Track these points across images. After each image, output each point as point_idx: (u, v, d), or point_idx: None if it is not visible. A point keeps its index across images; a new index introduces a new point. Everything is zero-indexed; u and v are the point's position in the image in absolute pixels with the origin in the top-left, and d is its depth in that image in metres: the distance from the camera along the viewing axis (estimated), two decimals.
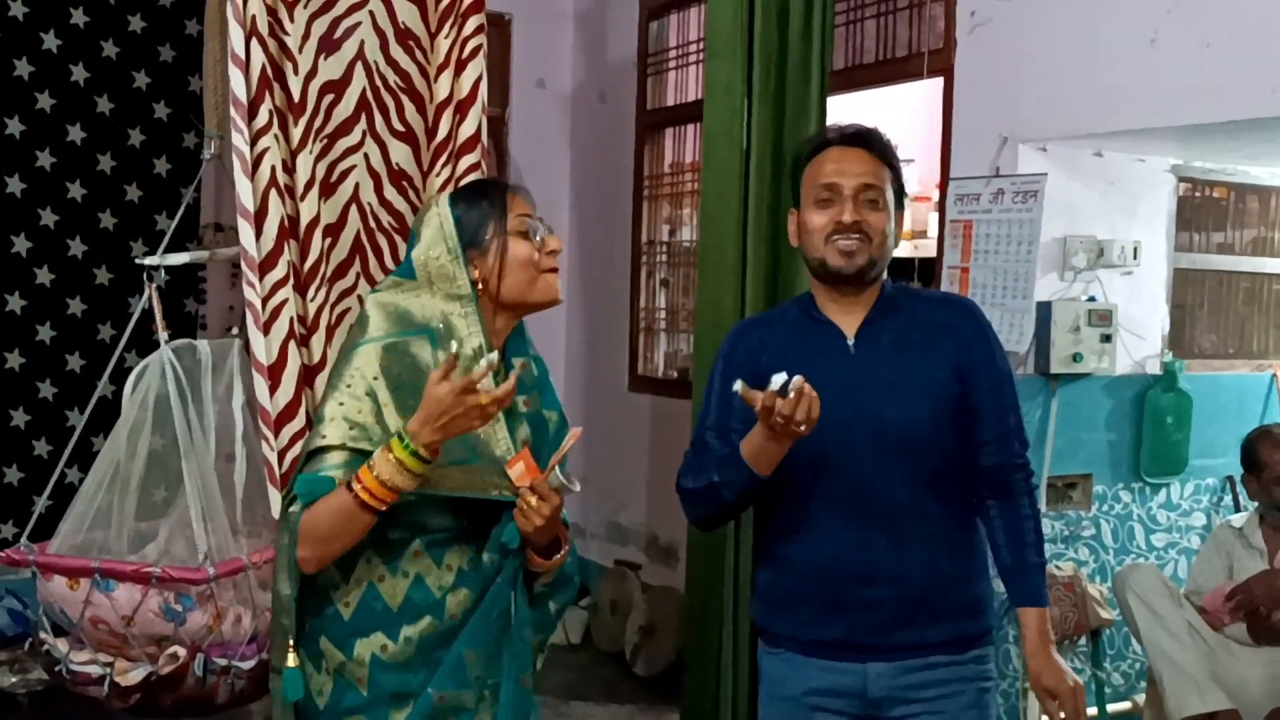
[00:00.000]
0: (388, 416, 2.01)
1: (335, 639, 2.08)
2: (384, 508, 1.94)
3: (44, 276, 4.95)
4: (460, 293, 2.10)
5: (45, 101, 4.91)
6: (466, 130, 3.51)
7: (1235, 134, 3.56)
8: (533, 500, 2.00)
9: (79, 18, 4.96)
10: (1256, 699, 3.55)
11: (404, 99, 3.47)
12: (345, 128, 3.38)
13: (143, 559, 3.28)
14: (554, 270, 2.18)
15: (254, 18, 3.10)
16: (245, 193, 3.09)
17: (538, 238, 2.16)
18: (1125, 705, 4.06)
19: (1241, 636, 3.71)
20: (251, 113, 3.09)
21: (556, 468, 2.02)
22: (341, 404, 2.01)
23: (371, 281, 3.46)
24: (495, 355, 2.04)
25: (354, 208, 3.40)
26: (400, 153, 3.48)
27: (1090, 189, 3.98)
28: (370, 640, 2.06)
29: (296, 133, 3.23)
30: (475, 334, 2.09)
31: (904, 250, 6.22)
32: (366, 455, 1.96)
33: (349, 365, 2.04)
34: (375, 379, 2.02)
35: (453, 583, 2.09)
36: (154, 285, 3.35)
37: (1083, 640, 3.80)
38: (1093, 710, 3.91)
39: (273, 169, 3.12)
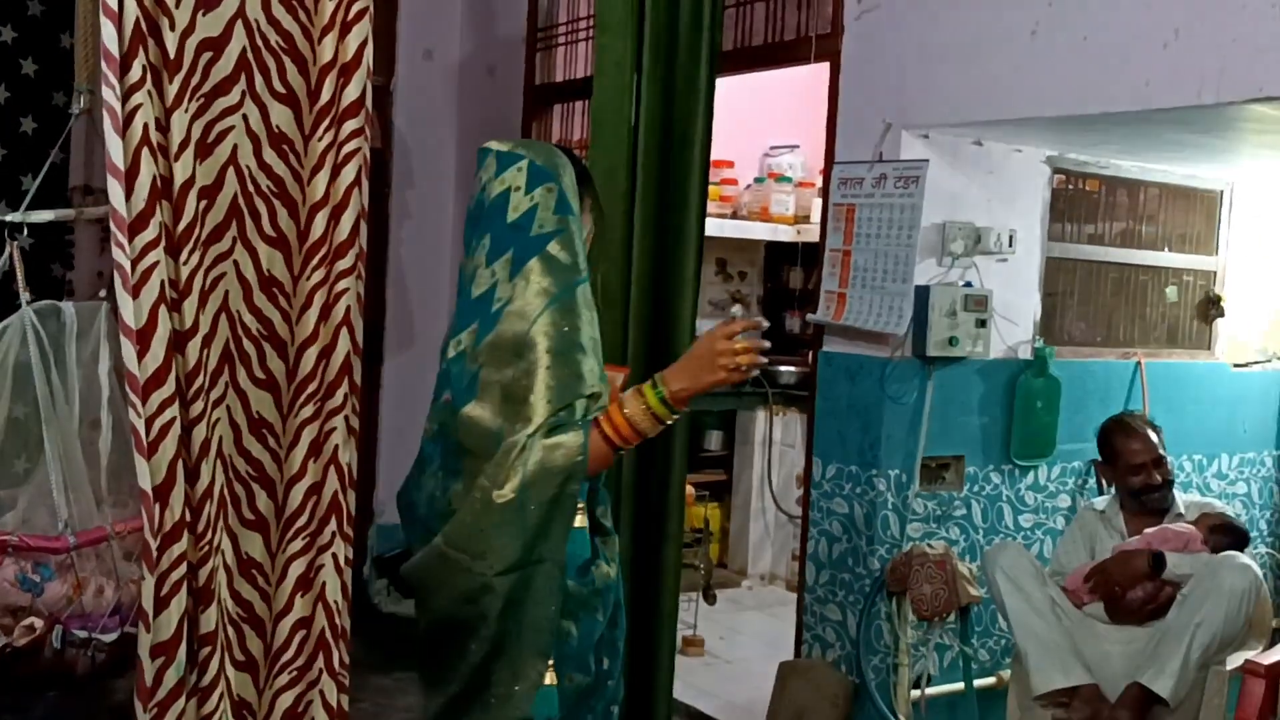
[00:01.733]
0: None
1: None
2: (625, 446, 2.11)
3: None
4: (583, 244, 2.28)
5: None
6: (350, 94, 3.42)
7: (1108, 127, 3.66)
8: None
9: None
10: (1116, 673, 3.68)
11: (285, 60, 3.37)
12: (223, 87, 3.27)
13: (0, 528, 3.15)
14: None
15: None
16: (115, 150, 2.97)
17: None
18: (991, 680, 4.17)
19: (1101, 615, 3.84)
20: (124, 67, 2.97)
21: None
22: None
23: (249, 246, 3.35)
24: (739, 309, 2.23)
25: (231, 170, 3.30)
26: (281, 115, 3.38)
27: (970, 177, 4.07)
28: (600, 570, 2.27)
29: (171, 90, 3.11)
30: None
31: (788, 235, 6.32)
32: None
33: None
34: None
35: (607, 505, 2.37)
36: (15, 244, 3.21)
37: (952, 617, 3.89)
38: (960, 685, 4.02)
39: (145, 126, 3.00)
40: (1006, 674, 4.10)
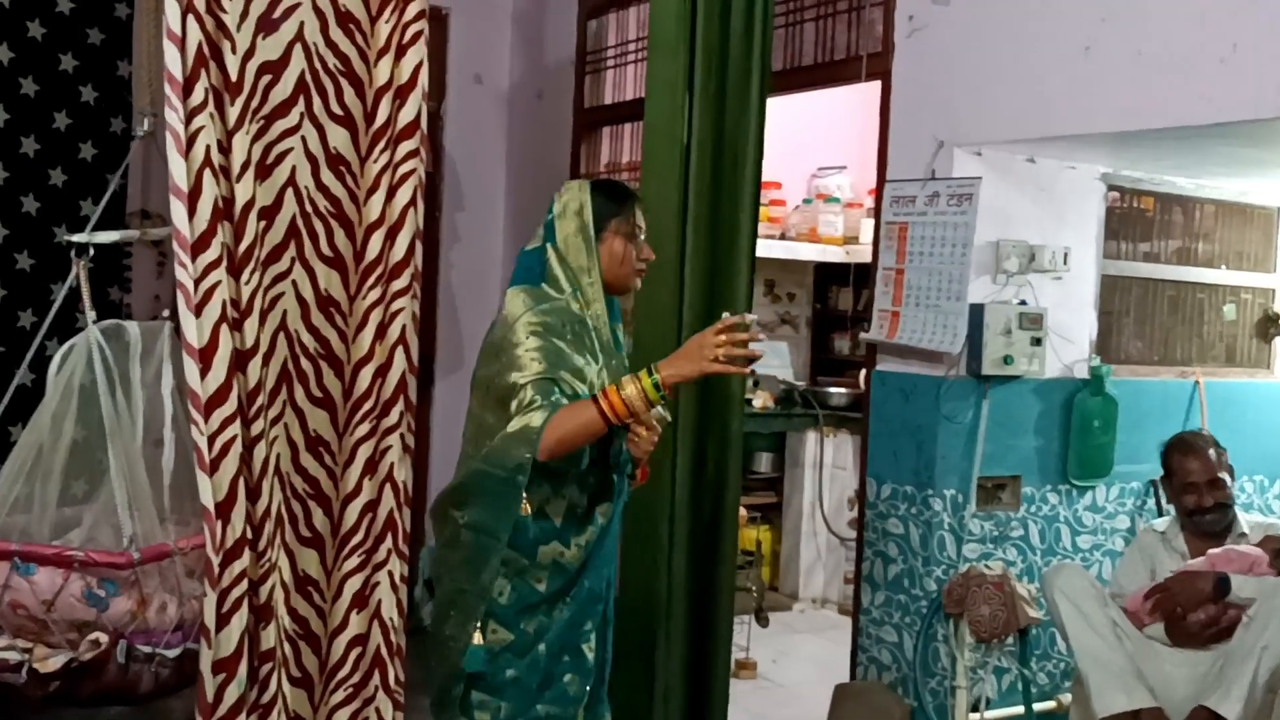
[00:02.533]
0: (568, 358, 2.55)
1: (521, 548, 2.58)
2: (619, 422, 2.43)
3: None
4: (588, 265, 2.66)
5: None
6: (406, 116, 3.47)
7: (1164, 143, 3.63)
8: (643, 431, 2.65)
9: None
10: (1180, 696, 3.60)
11: (343, 82, 3.42)
12: (282, 109, 3.32)
13: (66, 544, 3.19)
14: (640, 271, 2.78)
15: None
16: (179, 171, 3.02)
17: (639, 243, 2.75)
18: (1050, 704, 4.11)
19: (1162, 637, 3.77)
20: (187, 90, 3.02)
21: (659, 405, 2.50)
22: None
23: (306, 266, 3.39)
24: (751, 317, 2.46)
25: (290, 191, 3.34)
26: (338, 137, 3.43)
27: (1023, 195, 4.04)
28: (550, 548, 2.60)
29: (233, 113, 3.16)
30: (599, 299, 2.67)
31: (836, 256, 6.30)
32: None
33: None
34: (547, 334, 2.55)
35: (599, 501, 2.66)
36: (82, 263, 3.26)
37: (1010, 639, 3.84)
38: (1019, 709, 3.96)
39: (207, 148, 3.05)
40: (1067, 697, 4.04)
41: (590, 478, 2.64)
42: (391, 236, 3.47)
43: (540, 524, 2.59)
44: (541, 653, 2.63)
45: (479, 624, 2.55)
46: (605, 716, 2.83)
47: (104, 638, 3.02)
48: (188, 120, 3.03)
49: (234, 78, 3.17)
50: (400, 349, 3.47)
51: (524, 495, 2.51)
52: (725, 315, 2.43)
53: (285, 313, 3.37)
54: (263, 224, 3.28)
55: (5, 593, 3.03)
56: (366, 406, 3.43)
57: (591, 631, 2.71)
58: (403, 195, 3.47)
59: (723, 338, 2.38)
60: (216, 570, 3.00)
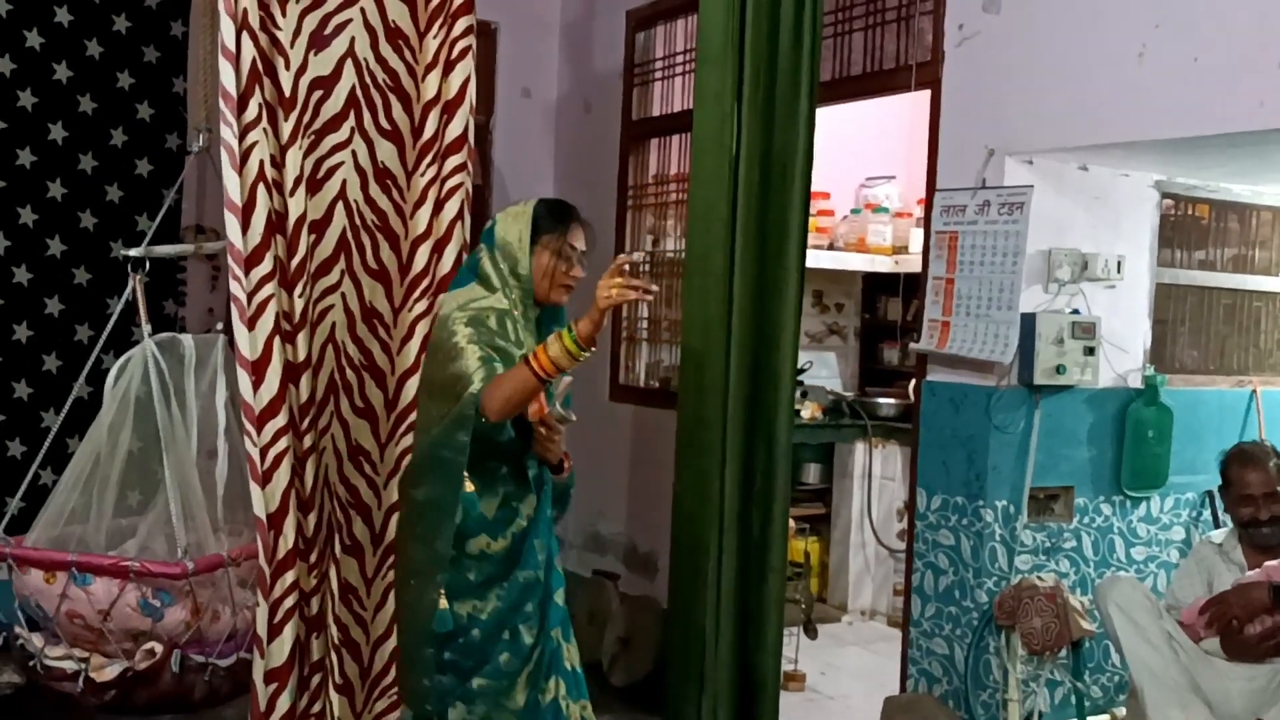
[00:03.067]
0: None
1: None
2: (548, 379, 2.63)
3: (22, 276, 4.89)
4: (518, 269, 2.86)
5: (27, 100, 4.86)
6: (454, 130, 3.50)
7: (1219, 149, 3.59)
8: (543, 430, 2.77)
9: (63, 16, 4.93)
10: (1237, 711, 3.55)
11: (391, 97, 3.46)
12: (334, 124, 3.37)
13: (121, 554, 3.23)
14: (567, 287, 2.94)
15: (245, 11, 3.08)
16: (233, 186, 3.07)
17: (570, 261, 2.92)
18: (1104, 718, 4.06)
19: (1218, 652, 3.71)
20: (241, 106, 3.07)
21: (558, 404, 2.77)
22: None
23: (354, 279, 3.43)
24: (636, 256, 2.76)
25: (340, 204, 3.38)
26: (386, 151, 3.46)
27: (1075, 203, 4.01)
28: (478, 540, 2.80)
29: (286, 128, 3.21)
30: (527, 302, 2.86)
31: (885, 266, 6.27)
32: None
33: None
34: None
35: (522, 495, 2.86)
36: (138, 277, 3.31)
37: (1063, 651, 3.80)
38: None
39: (261, 163, 3.10)
40: (1121, 711, 3.99)
41: (512, 471, 2.85)
42: (439, 250, 3.50)
43: (473, 515, 2.80)
44: (476, 637, 2.81)
45: (441, 589, 2.76)
46: (550, 690, 2.93)
47: (159, 647, 3.06)
48: (242, 136, 3.08)
49: (288, 93, 3.21)
50: None
51: (465, 473, 2.73)
52: (619, 257, 2.69)
53: (334, 325, 3.41)
54: (313, 237, 3.32)
55: (63, 602, 3.08)
56: (412, 418, 3.45)
57: (533, 614, 2.88)
58: (450, 209, 3.50)
59: (617, 279, 2.62)
60: (269, 580, 3.04)
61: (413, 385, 3.48)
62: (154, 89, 5.13)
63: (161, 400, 3.19)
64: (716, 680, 4.00)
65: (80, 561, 3.10)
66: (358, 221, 3.44)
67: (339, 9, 3.34)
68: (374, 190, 3.47)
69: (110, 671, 3.06)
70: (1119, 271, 4.04)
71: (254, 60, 3.09)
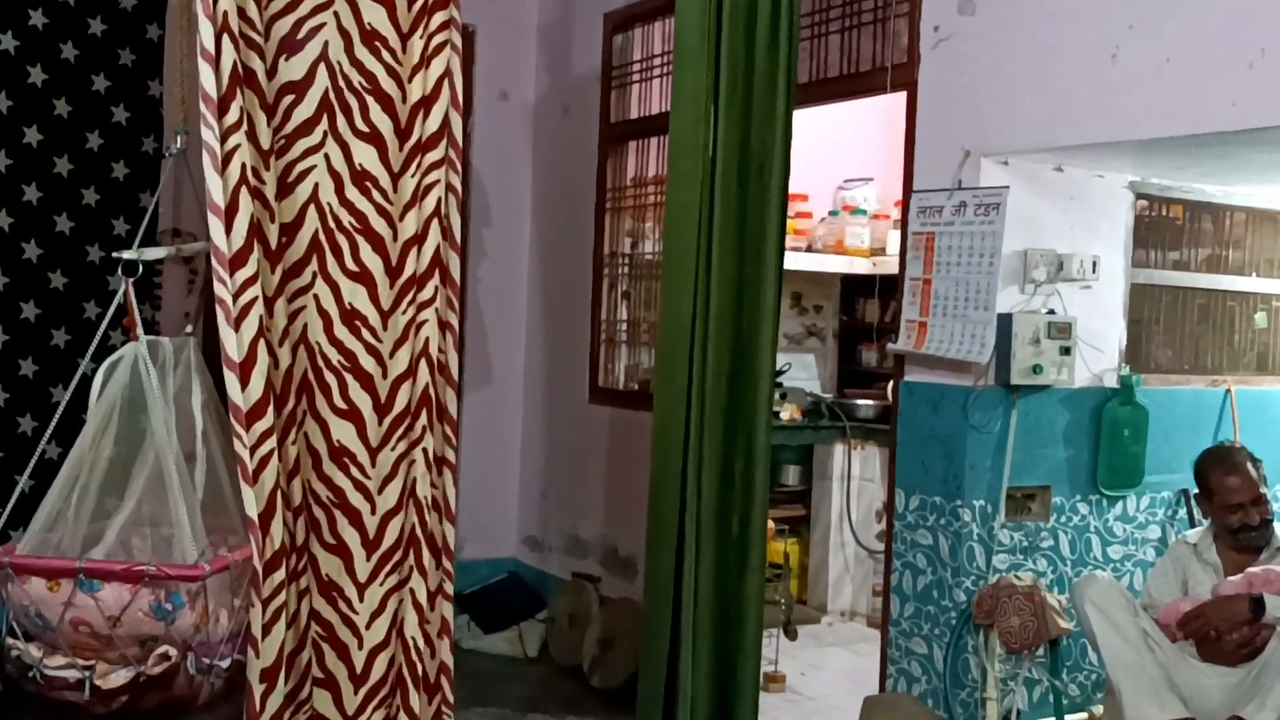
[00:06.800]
0: None
1: None
2: None
3: None
4: None
5: (2, 103, 4.83)
6: (430, 127, 3.48)
7: (1193, 149, 3.61)
8: None
9: (38, 19, 4.89)
10: (1214, 707, 3.57)
11: (369, 100, 3.45)
12: (305, 128, 3.36)
13: (109, 559, 3.20)
14: None
15: (225, 14, 3.07)
16: (216, 188, 3.06)
17: None
18: (1082, 715, 4.08)
19: (1193, 651, 3.73)
20: (222, 109, 3.06)
21: None
22: None
23: (329, 281, 3.43)
24: None
25: (312, 207, 3.38)
26: (364, 153, 3.45)
27: (1051, 204, 4.03)
28: None
29: (267, 135, 3.21)
30: None
31: (863, 268, 6.29)
32: None
33: None
34: None
35: None
36: (129, 281, 3.29)
37: (1041, 650, 3.82)
38: None
39: (243, 166, 3.09)
40: (1098, 709, 4.01)
41: None
42: (426, 249, 3.50)
43: None
44: None
45: None
46: None
47: (173, 651, 3.02)
48: (224, 138, 3.07)
49: (271, 99, 3.21)
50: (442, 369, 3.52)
51: None
52: None
53: (306, 326, 3.40)
54: (283, 239, 3.31)
55: (68, 610, 3.02)
56: (406, 423, 3.46)
57: None
58: (427, 205, 3.49)
59: None
60: (261, 580, 3.05)
61: (407, 391, 3.47)
62: (130, 92, 5.10)
63: (159, 402, 3.16)
64: (695, 682, 4.00)
65: (89, 568, 3.04)
66: (332, 224, 3.42)
67: (312, 13, 3.34)
68: (351, 193, 3.45)
69: (118, 678, 3.00)
70: (1094, 272, 4.07)
71: (234, 64, 3.08)
